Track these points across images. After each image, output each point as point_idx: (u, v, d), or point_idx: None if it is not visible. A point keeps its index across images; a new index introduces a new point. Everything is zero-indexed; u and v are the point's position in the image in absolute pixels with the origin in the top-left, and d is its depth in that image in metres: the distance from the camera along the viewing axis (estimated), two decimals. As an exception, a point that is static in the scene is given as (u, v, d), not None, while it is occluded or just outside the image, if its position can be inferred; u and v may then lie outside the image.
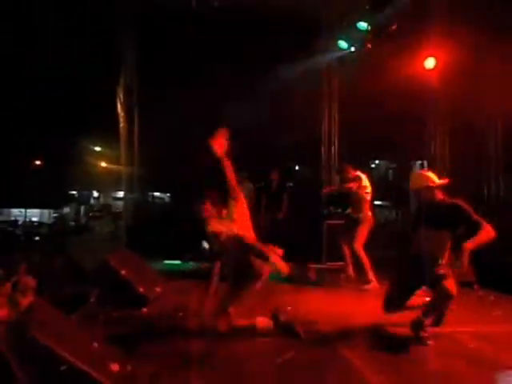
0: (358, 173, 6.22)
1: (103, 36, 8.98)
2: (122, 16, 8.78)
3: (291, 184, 9.82)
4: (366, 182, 6.15)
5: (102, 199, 26.26)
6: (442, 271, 3.62)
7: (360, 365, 3.22)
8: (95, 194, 27.22)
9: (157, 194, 15.35)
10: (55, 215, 25.27)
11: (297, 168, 12.77)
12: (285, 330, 3.77)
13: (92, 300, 4.39)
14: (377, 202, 9.95)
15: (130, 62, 9.11)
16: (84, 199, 26.21)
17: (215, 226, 4.07)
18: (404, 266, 4.14)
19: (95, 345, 2.96)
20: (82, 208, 25.39)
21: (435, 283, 3.61)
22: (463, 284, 4.18)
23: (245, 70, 8.56)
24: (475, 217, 3.72)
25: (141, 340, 3.67)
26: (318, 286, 6.06)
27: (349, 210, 6.26)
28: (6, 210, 26.59)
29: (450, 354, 3.44)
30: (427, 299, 3.83)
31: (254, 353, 3.47)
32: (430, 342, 3.58)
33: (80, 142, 19.29)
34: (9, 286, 3.94)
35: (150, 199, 12.58)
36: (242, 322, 3.80)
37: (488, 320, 4.44)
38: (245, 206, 4.13)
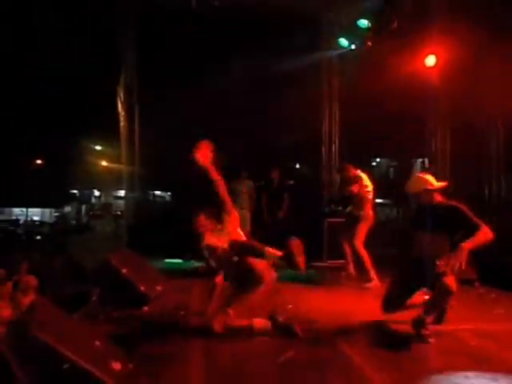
0: (359, 172, 6.22)
1: (103, 36, 8.99)
2: (121, 16, 8.77)
3: (292, 182, 9.81)
4: (366, 181, 6.16)
5: (103, 198, 26.30)
6: (441, 269, 3.61)
7: (361, 362, 3.22)
8: (96, 192, 27.26)
9: (158, 192, 15.37)
10: (56, 214, 25.34)
11: (297, 167, 12.76)
12: (283, 331, 3.76)
13: (93, 299, 4.40)
14: (378, 200, 9.93)
15: (130, 62, 9.10)
16: (85, 198, 26.29)
17: (210, 240, 4.08)
18: (405, 266, 4.14)
19: (97, 344, 2.96)
20: (84, 207, 25.45)
21: (435, 282, 3.62)
22: (464, 281, 4.17)
23: (244, 69, 8.54)
24: (474, 219, 3.71)
25: (142, 339, 3.67)
26: (318, 285, 6.06)
27: (350, 208, 6.25)
28: (7, 209, 26.67)
29: (452, 351, 3.44)
30: (427, 297, 3.84)
31: (254, 352, 3.46)
32: (431, 340, 3.58)
33: (81, 141, 19.33)
34: (10, 285, 3.95)
35: (150, 198, 12.60)
36: (238, 322, 3.77)
37: (490, 318, 4.43)
38: (237, 219, 4.14)
